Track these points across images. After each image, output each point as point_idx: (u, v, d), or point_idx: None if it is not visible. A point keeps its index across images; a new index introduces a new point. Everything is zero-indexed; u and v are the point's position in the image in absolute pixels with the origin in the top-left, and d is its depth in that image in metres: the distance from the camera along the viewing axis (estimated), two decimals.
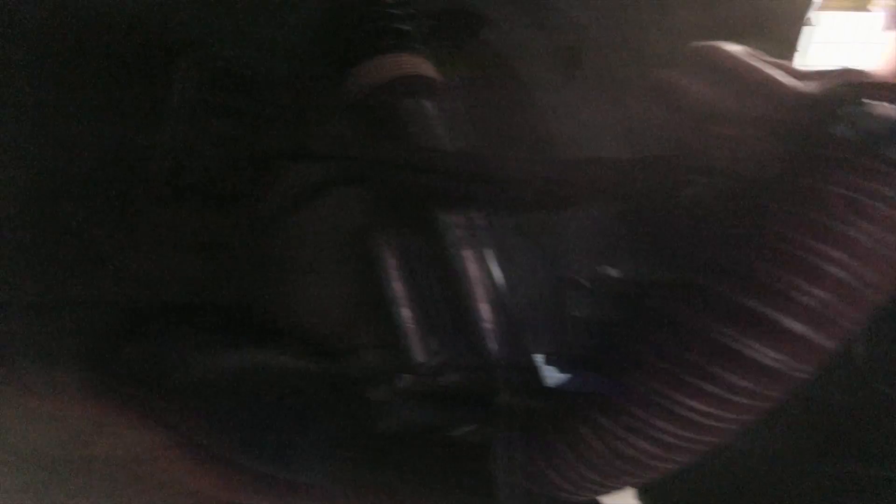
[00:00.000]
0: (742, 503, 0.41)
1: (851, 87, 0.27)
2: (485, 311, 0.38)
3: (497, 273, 0.38)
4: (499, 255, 0.38)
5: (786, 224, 0.27)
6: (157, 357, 0.38)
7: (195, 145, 0.35)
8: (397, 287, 0.37)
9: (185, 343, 0.38)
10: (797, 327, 0.26)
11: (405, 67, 0.43)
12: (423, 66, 0.45)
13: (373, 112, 0.41)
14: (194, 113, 0.36)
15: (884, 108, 0.26)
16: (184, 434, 0.40)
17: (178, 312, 0.38)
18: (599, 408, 0.31)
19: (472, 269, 0.38)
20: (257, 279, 0.39)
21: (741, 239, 0.28)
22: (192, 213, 0.37)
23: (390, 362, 0.38)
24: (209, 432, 0.39)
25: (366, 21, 0.44)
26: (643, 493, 0.48)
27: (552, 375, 0.36)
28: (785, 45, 0.59)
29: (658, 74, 0.31)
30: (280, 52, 0.40)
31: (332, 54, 0.42)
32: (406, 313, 0.38)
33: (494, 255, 0.38)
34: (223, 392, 0.38)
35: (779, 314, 0.26)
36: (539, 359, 0.38)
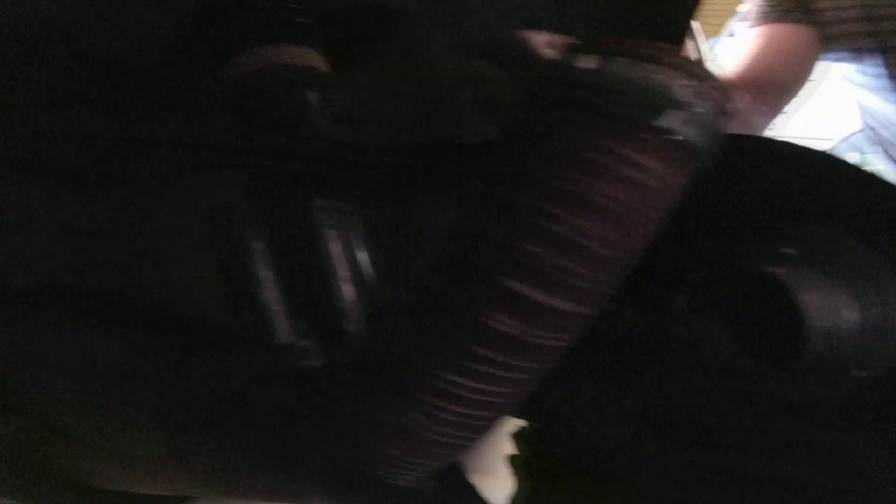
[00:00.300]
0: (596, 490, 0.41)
1: (575, 47, 0.27)
2: (347, 291, 0.38)
3: (362, 255, 0.39)
4: (365, 239, 0.39)
5: (513, 183, 0.26)
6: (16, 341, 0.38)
7: (54, 132, 0.35)
8: (263, 270, 0.38)
9: (44, 329, 0.38)
10: (516, 286, 0.25)
11: (287, 57, 0.44)
12: (309, 58, 0.45)
13: (249, 100, 0.42)
14: (55, 100, 0.36)
15: (611, 65, 0.26)
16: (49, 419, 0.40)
17: (36, 298, 0.38)
18: (388, 386, 0.30)
19: (336, 249, 0.38)
20: (121, 265, 0.38)
21: (478, 204, 0.27)
22: (52, 199, 0.37)
23: (257, 346, 0.38)
24: (74, 417, 0.39)
25: (255, 12, 0.45)
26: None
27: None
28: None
29: (467, 63, 0.32)
30: (151, 40, 0.40)
31: (211, 43, 0.43)
32: (272, 295, 0.38)
33: (361, 238, 0.39)
34: (85, 376, 0.38)
35: (498, 275, 0.25)
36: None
